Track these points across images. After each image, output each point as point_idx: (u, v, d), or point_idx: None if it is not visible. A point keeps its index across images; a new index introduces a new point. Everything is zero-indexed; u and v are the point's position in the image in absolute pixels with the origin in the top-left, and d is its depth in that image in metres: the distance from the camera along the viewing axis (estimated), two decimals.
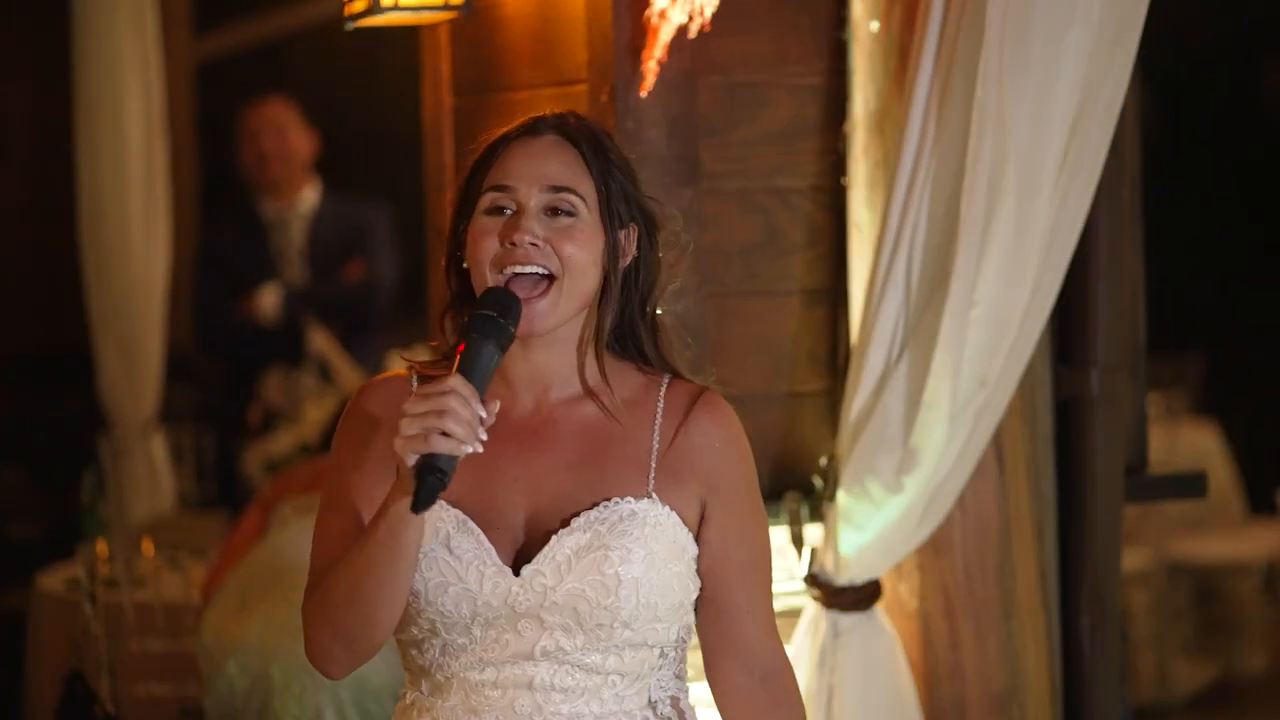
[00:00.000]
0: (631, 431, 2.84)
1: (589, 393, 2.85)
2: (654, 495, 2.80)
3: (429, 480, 2.60)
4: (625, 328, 2.88)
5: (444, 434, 2.59)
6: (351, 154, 7.60)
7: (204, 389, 7.89)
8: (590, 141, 2.84)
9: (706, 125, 3.95)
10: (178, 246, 7.35)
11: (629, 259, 2.86)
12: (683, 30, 3.78)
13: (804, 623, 3.95)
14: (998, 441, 3.92)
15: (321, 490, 2.90)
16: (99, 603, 5.14)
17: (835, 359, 4.04)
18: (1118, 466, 4.04)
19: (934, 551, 3.98)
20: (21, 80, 8.50)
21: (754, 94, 3.99)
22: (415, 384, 2.86)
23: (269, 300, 7.17)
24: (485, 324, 2.71)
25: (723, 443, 2.85)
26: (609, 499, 2.79)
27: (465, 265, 2.85)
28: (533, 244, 2.76)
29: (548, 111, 2.88)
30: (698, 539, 2.84)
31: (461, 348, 2.69)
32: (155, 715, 5.44)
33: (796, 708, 2.96)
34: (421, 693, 2.86)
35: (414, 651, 2.84)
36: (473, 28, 4.28)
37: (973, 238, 3.67)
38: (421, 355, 3.03)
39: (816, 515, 3.95)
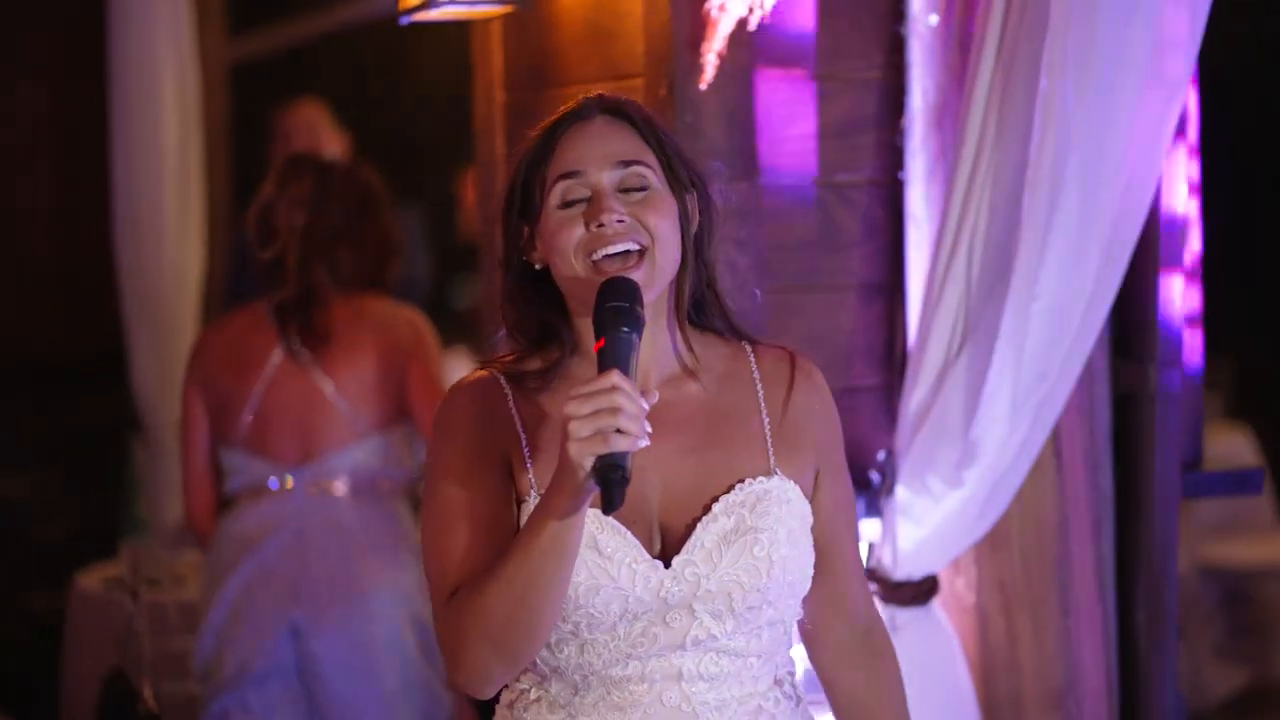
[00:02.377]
0: (739, 406, 2.83)
1: (686, 370, 2.83)
2: (778, 471, 2.79)
3: (614, 479, 2.53)
4: (701, 297, 2.86)
5: (619, 431, 2.52)
6: (378, 156, 7.59)
7: None
8: (637, 115, 2.84)
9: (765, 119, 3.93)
10: (211, 247, 7.33)
11: (695, 225, 2.84)
12: (742, 23, 3.78)
13: None
14: (1055, 436, 3.90)
15: (426, 509, 2.80)
16: (142, 601, 5.13)
17: (892, 353, 4.03)
18: (1175, 462, 4.03)
19: (992, 547, 3.97)
20: (47, 80, 8.49)
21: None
22: (505, 384, 2.81)
23: None
24: (623, 314, 2.65)
25: (822, 405, 2.89)
26: (741, 480, 2.77)
27: (527, 260, 2.82)
28: (619, 221, 2.74)
29: (580, 97, 2.87)
30: (812, 504, 2.84)
31: (601, 344, 2.61)
32: (196, 714, 5.42)
33: (894, 658, 2.99)
34: (546, 690, 2.79)
35: (544, 652, 2.76)
36: (526, 22, 4.27)
37: (1035, 230, 3.66)
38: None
39: (873, 510, 3.94)
